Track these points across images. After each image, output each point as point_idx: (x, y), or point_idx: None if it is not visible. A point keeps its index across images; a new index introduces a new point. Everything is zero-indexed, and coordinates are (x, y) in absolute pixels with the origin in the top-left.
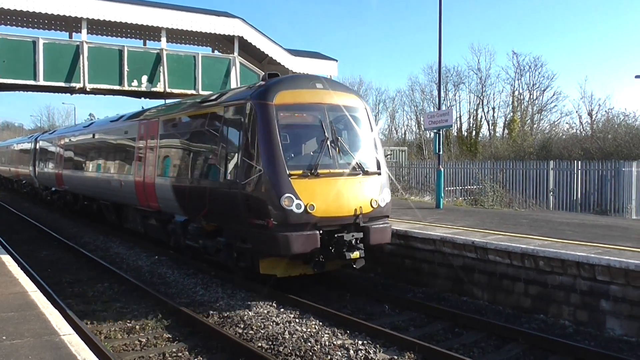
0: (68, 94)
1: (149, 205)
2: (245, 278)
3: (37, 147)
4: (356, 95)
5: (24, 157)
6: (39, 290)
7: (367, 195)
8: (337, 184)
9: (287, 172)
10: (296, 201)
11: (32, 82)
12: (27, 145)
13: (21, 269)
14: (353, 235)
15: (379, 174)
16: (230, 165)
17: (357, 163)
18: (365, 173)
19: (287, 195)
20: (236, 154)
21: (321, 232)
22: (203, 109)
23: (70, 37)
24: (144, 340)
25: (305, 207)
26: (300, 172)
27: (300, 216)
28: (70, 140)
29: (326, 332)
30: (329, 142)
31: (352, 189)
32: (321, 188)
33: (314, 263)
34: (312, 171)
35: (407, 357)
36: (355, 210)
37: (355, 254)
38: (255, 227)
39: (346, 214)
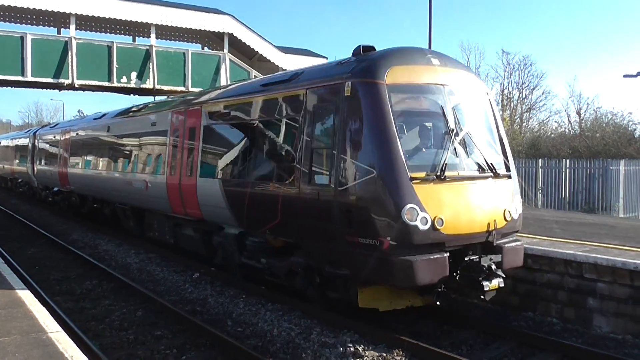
0: (56, 90)
1: (186, 213)
2: (327, 309)
3: (36, 142)
4: (475, 75)
5: (20, 154)
6: (26, 288)
7: (500, 204)
8: (467, 191)
9: (409, 175)
10: (421, 214)
11: (19, 78)
12: (24, 141)
13: (8, 266)
14: (491, 259)
15: (509, 176)
16: (319, 165)
17: (487, 163)
18: (496, 176)
19: (409, 206)
20: (328, 151)
21: (448, 254)
22: (271, 93)
23: (59, 32)
24: (132, 337)
25: (433, 221)
26: (422, 174)
27: (427, 234)
28: (77, 134)
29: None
30: (453, 135)
31: (484, 197)
32: (449, 196)
33: (437, 295)
34: (438, 173)
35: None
36: (488, 224)
37: (494, 284)
38: (358, 247)
39: (478, 230)
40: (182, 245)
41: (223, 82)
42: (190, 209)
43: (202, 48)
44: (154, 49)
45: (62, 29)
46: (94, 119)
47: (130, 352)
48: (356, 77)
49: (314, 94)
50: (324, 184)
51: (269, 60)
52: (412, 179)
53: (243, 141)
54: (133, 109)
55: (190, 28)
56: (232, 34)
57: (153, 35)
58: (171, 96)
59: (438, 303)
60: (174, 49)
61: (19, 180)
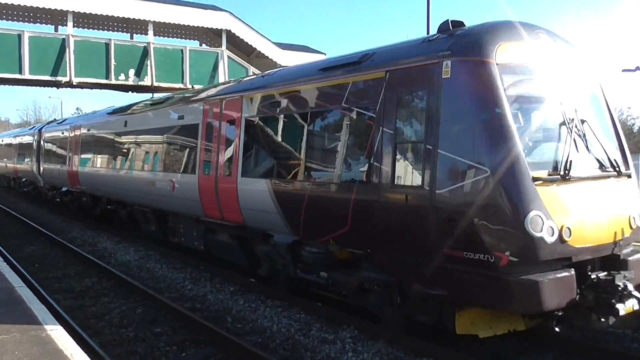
0: (54, 88)
1: (223, 217)
2: (409, 333)
3: (42, 139)
4: (586, 55)
5: (24, 152)
6: (25, 286)
7: (624, 209)
8: (593, 193)
9: (530, 175)
10: (547, 222)
11: (17, 76)
12: (28, 138)
13: (7, 264)
14: (625, 276)
15: (629, 175)
16: (406, 163)
17: (609, 159)
18: (618, 174)
19: (534, 212)
20: (418, 145)
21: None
22: (334, 78)
23: (56, 30)
24: (132, 334)
25: (560, 232)
26: (544, 173)
27: (554, 248)
28: (89, 130)
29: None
30: (573, 126)
31: (609, 200)
32: (575, 199)
33: (557, 319)
34: (563, 172)
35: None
36: (615, 233)
37: (629, 307)
38: (461, 263)
39: (605, 240)
40: (214, 253)
41: (221, 79)
42: (229, 213)
43: (200, 45)
44: (151, 46)
45: (59, 27)
46: (108, 113)
47: (130, 349)
48: (457, 54)
49: (397, 77)
50: (413, 186)
51: (267, 57)
52: (534, 179)
53: (298, 135)
54: (155, 101)
55: (188, 25)
56: (230, 30)
57: (151, 32)
58: (197, 87)
59: (557, 329)
60: (171, 45)
61: (23, 179)
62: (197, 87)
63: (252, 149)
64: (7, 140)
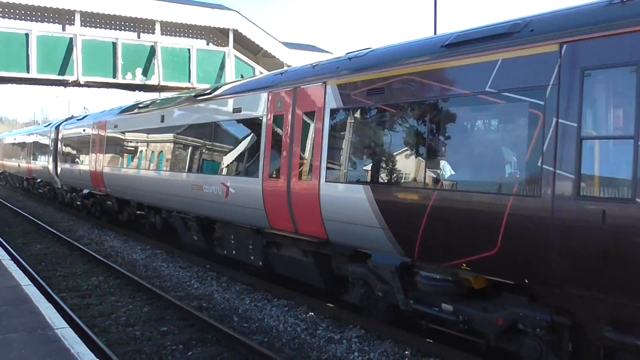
0: (61, 87)
1: (298, 230)
2: None
3: (60, 137)
4: None
5: (39, 151)
6: (32, 284)
7: None
8: None
9: None
10: None
11: (25, 75)
12: (44, 136)
13: (14, 262)
14: None
15: None
16: (598, 166)
17: None
18: None
19: None
20: (623, 142)
21: None
22: (472, 55)
23: (64, 29)
24: (138, 333)
25: None
26: None
27: None
28: (116, 126)
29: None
30: None
31: None
32: None
33: None
34: None
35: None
36: None
37: None
38: None
39: None
40: (278, 271)
41: (228, 79)
42: (306, 225)
43: (207, 44)
44: (159, 45)
45: (67, 26)
46: (139, 107)
47: (137, 347)
48: None
49: (582, 51)
50: (617, 198)
51: (274, 56)
52: None
53: (413, 129)
54: (199, 93)
55: (195, 24)
56: (237, 29)
57: (158, 31)
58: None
59: None
60: (178, 45)
61: (38, 180)
62: (204, 85)
63: (342, 147)
64: (20, 139)
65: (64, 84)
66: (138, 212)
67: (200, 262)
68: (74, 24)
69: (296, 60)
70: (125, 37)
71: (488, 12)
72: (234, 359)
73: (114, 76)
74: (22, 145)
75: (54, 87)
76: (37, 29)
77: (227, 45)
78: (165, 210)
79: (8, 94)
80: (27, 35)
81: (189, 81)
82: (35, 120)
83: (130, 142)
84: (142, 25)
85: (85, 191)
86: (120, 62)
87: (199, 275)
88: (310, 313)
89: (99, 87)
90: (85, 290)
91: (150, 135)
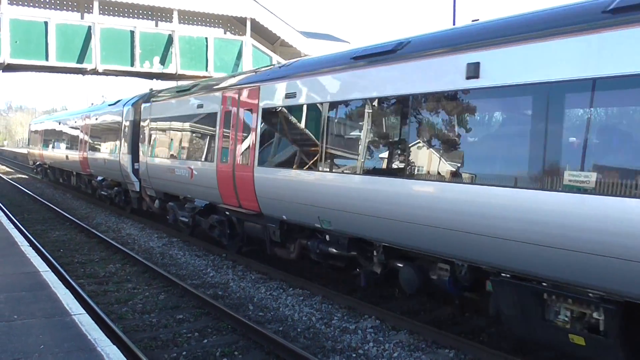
0: (80, 75)
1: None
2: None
3: (144, 118)
4: None
5: (103, 138)
6: (50, 270)
7: None
8: None
9: None
10: None
11: (44, 63)
12: (115, 116)
13: (33, 249)
14: None
15: None
16: None
17: None
18: None
19: None
20: None
21: None
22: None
23: (82, 17)
24: (154, 320)
25: None
26: None
27: None
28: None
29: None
30: None
31: None
32: None
33: None
34: None
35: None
36: None
37: None
38: None
39: None
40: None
41: (246, 68)
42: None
43: (225, 33)
44: (176, 34)
45: (85, 14)
46: (353, 58)
47: (153, 334)
48: None
49: None
50: None
51: (292, 46)
52: None
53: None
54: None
55: (213, 13)
56: (254, 18)
57: (176, 20)
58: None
59: None
60: (196, 34)
61: (99, 179)
62: (220, 75)
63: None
64: (68, 123)
65: (83, 72)
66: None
67: (216, 250)
68: (92, 12)
69: (314, 49)
70: (143, 26)
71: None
72: (249, 348)
73: (132, 64)
74: (72, 131)
75: (72, 75)
76: (56, 17)
77: (244, 34)
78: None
79: (25, 82)
80: (46, 23)
81: (206, 70)
82: (55, 108)
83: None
84: (159, 13)
85: (201, 203)
86: (138, 50)
87: (215, 264)
88: (325, 303)
89: (117, 75)
90: (102, 277)
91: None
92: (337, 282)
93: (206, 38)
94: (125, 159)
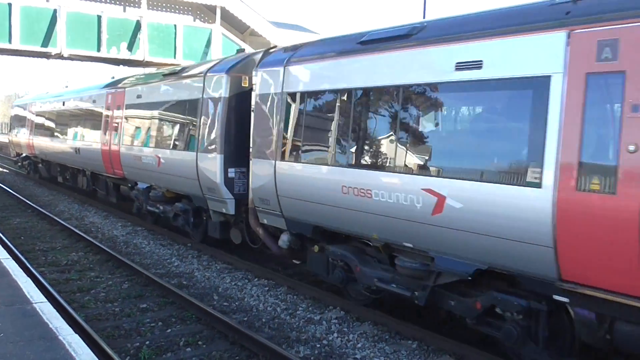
0: (44, 59)
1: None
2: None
3: (280, 88)
4: None
5: (153, 123)
6: (11, 258)
7: None
8: None
9: None
10: None
11: (7, 46)
12: (180, 91)
13: None
14: None
15: None
16: None
17: None
18: None
19: None
20: None
21: None
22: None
23: (48, 0)
24: (117, 309)
25: None
26: None
27: None
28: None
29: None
30: None
31: None
32: None
33: None
34: None
35: None
36: None
37: None
38: None
39: None
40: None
41: (214, 56)
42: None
43: (194, 20)
44: (144, 20)
45: None
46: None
47: (116, 324)
48: None
49: None
50: None
51: (261, 35)
52: None
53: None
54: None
55: (182, 0)
56: (224, 7)
57: (144, 6)
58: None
59: None
60: (165, 20)
61: (140, 186)
62: (188, 62)
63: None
64: (82, 102)
65: (47, 56)
66: None
67: (181, 240)
68: None
69: (284, 39)
70: (111, 11)
71: None
72: (214, 338)
73: (99, 50)
74: (87, 114)
75: (36, 58)
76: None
77: (214, 22)
78: None
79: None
80: (9, 5)
81: (175, 57)
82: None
83: None
84: None
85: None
86: (105, 35)
87: (180, 253)
88: (290, 293)
89: (82, 60)
90: (64, 266)
91: None
92: (302, 274)
93: (175, 25)
94: (211, 162)
